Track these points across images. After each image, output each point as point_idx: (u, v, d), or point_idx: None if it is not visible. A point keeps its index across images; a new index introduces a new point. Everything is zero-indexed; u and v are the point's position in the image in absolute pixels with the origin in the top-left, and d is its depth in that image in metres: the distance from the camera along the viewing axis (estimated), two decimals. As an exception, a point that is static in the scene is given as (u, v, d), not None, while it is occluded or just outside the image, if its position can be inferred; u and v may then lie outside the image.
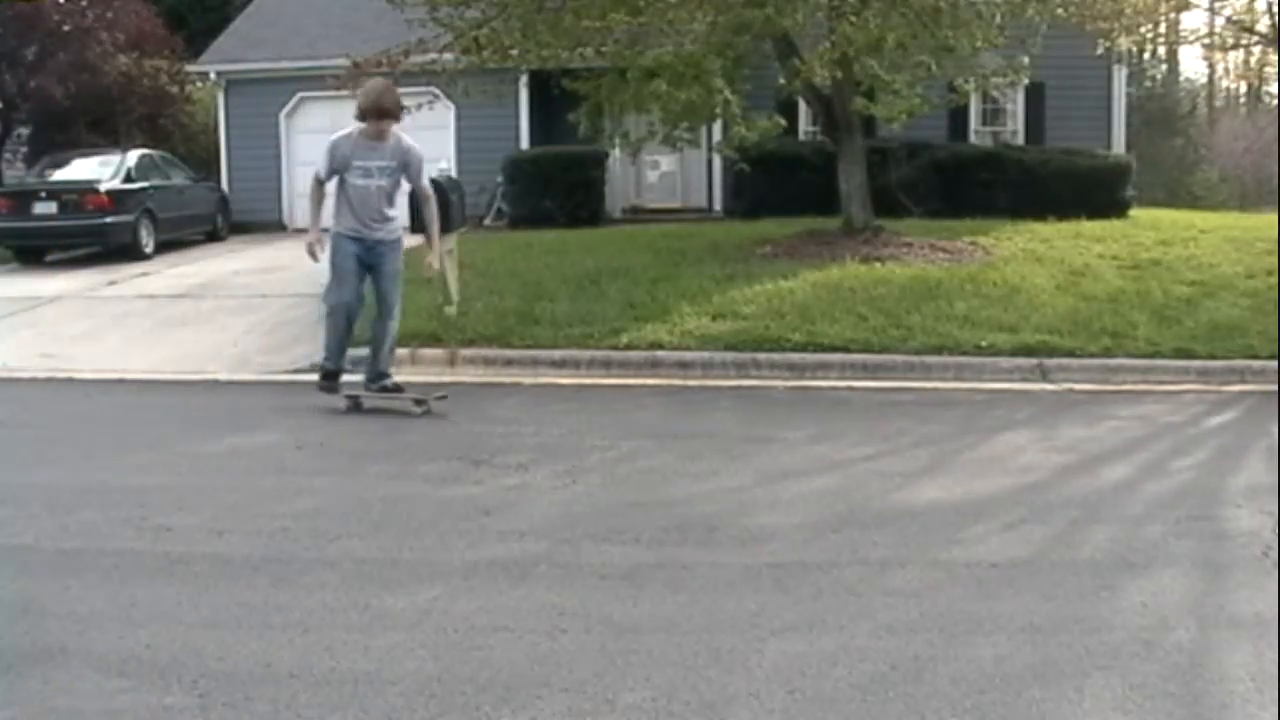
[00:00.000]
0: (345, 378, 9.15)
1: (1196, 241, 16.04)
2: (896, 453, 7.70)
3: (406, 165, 8.77)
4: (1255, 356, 10.37)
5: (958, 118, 21.62)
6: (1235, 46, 21.20)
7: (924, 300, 11.73)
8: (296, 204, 24.13)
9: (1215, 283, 13.02)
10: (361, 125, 8.65)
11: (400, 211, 9.11)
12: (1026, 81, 16.81)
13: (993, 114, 22.93)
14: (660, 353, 10.64)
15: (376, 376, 9.12)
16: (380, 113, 8.58)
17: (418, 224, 10.44)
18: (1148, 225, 18.17)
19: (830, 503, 6.35)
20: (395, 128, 8.74)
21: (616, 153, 19.99)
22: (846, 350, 10.58)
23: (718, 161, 21.40)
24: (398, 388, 9.12)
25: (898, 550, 5.51)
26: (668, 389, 9.78)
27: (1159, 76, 39.95)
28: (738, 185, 20.44)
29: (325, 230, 8.93)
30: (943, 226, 16.70)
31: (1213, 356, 10.44)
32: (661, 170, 23.66)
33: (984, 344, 10.56)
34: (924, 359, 10.40)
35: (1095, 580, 5.07)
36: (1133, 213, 20.25)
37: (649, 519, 6.02)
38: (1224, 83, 42.25)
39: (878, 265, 13.76)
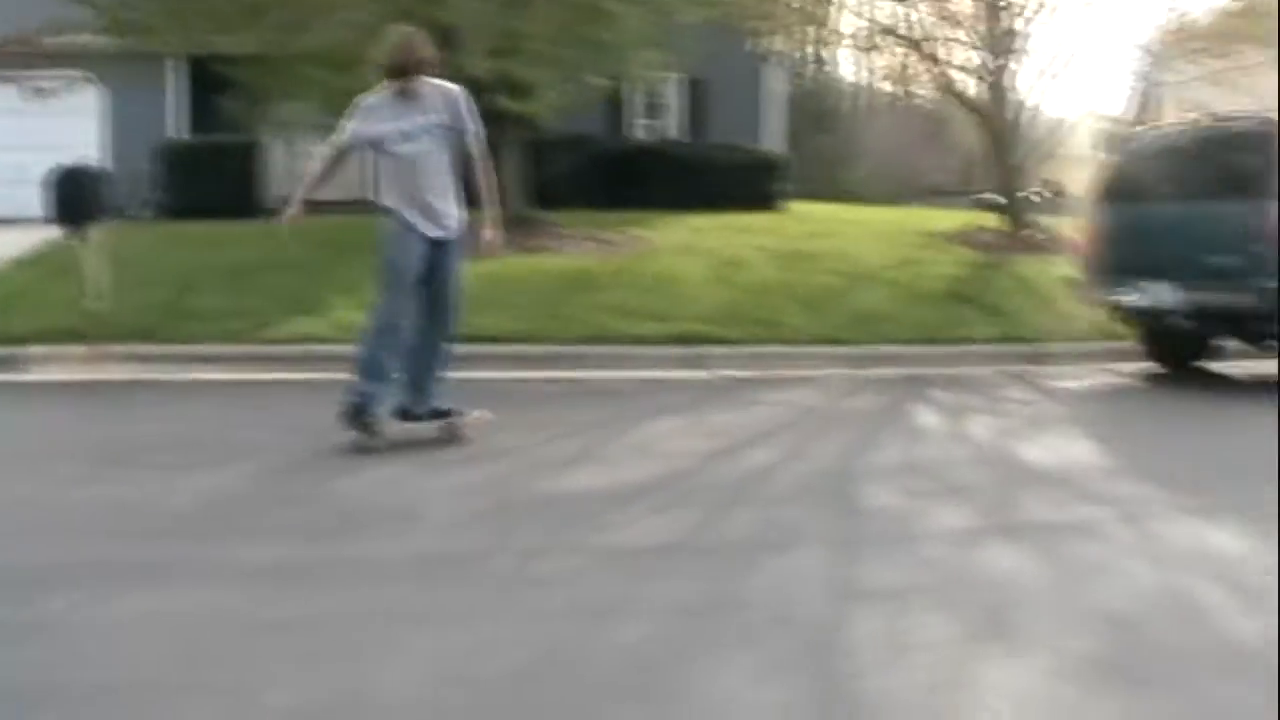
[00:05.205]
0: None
1: (843, 234, 16.75)
2: (549, 442, 7.71)
3: (459, 118, 7.13)
4: (894, 342, 10.89)
5: (618, 113, 21.93)
6: (876, 48, 22.16)
7: (580, 291, 11.83)
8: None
9: (859, 273, 13.60)
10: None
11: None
12: (677, 78, 17.18)
13: (654, 109, 23.34)
14: (315, 346, 10.37)
15: (432, 413, 7.44)
16: (399, 71, 7.01)
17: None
18: (800, 218, 18.89)
19: (481, 493, 6.29)
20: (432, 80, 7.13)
21: (281, 142, 19.42)
22: (501, 341, 10.53)
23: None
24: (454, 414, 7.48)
25: (548, 538, 5.48)
26: (323, 384, 9.50)
27: (816, 76, 41.46)
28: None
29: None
30: (601, 219, 16.89)
31: (856, 342, 10.90)
32: (325, 160, 23.04)
33: (639, 333, 10.71)
34: (579, 349, 10.47)
35: (738, 561, 5.15)
36: (789, 206, 20.99)
37: (292, 513, 5.85)
38: (873, 84, 44.13)
39: (534, 257, 13.78)
